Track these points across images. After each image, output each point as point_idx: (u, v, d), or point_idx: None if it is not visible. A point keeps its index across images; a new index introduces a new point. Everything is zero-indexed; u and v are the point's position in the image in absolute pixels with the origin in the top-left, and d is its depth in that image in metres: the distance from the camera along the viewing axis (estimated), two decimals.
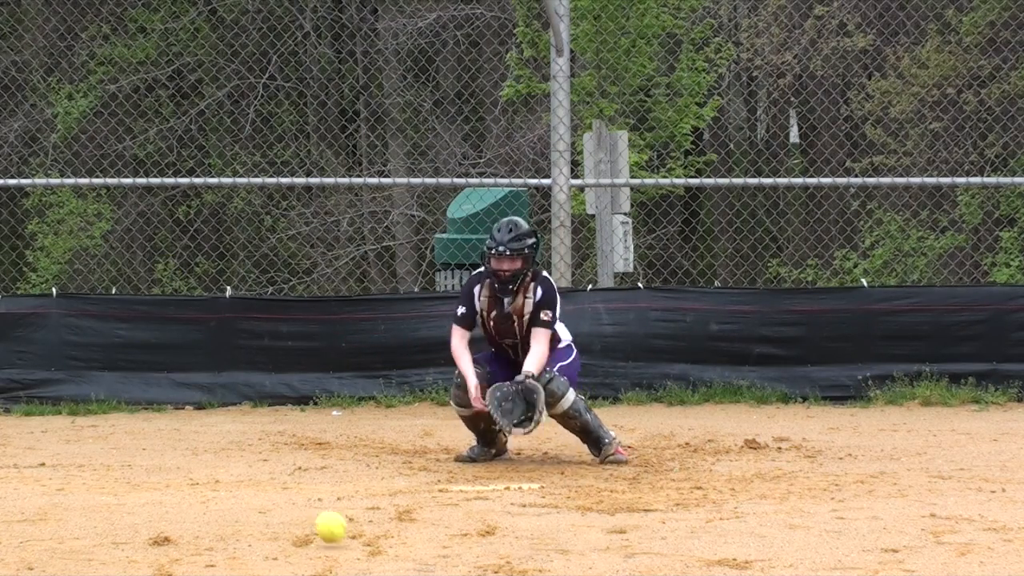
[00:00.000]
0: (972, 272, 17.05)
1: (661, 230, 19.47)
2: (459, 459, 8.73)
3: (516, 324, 8.53)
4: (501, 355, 8.70)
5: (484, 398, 8.32)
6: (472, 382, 8.41)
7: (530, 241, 8.48)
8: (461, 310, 8.62)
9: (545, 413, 8.33)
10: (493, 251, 8.43)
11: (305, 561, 5.67)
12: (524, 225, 8.59)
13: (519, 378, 8.30)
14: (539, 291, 8.49)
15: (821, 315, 12.29)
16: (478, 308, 8.57)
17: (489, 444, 8.74)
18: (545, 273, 8.68)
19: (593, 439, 8.58)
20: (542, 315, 8.46)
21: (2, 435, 10.42)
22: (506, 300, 8.49)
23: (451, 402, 8.77)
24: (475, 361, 8.58)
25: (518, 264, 8.42)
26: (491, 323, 8.55)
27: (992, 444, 9.46)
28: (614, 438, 8.62)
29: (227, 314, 12.36)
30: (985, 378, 12.03)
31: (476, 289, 8.61)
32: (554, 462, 8.67)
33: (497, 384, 8.35)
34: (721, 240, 20.58)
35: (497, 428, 8.42)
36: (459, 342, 8.60)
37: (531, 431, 8.32)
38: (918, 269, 17.63)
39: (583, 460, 8.69)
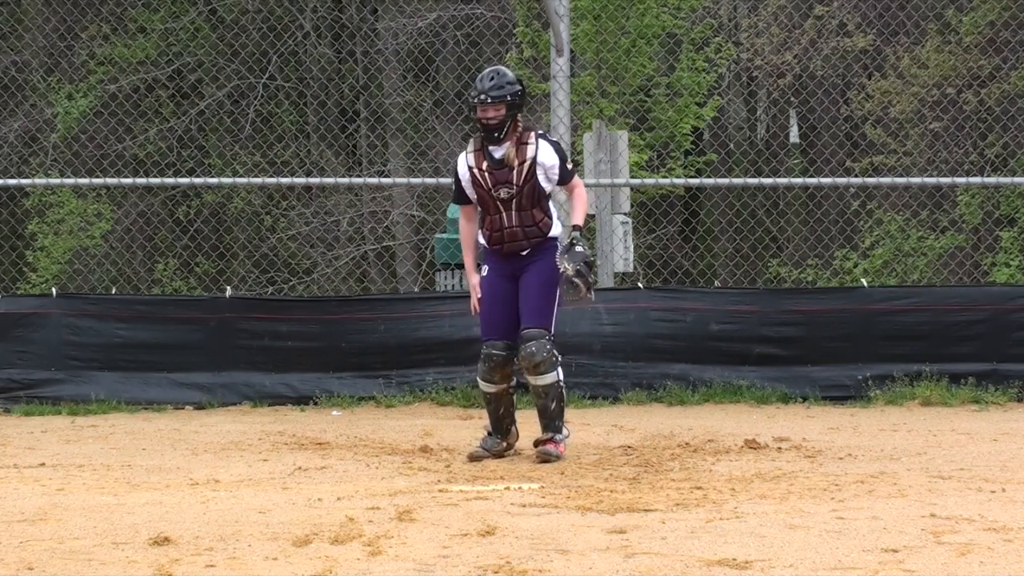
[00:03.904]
0: (972, 272, 17.05)
1: (661, 230, 19.47)
2: (473, 457, 8.68)
3: (514, 172, 8.44)
4: (495, 247, 8.59)
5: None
6: (473, 280, 8.64)
7: (514, 88, 8.46)
8: (454, 186, 8.71)
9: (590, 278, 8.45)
10: (476, 99, 8.43)
11: (305, 561, 5.67)
12: (508, 73, 8.57)
13: (564, 247, 8.45)
14: (543, 143, 8.52)
15: (821, 315, 12.29)
16: (466, 169, 8.54)
17: (503, 435, 8.76)
18: (541, 130, 8.70)
19: (544, 424, 8.63)
20: (568, 165, 8.59)
21: (2, 435, 10.42)
22: (494, 150, 8.46)
23: (478, 377, 8.75)
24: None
25: (502, 111, 8.41)
26: (486, 175, 8.48)
27: (992, 444, 9.46)
28: (565, 436, 8.67)
29: (227, 314, 12.37)
30: (985, 378, 12.04)
31: (463, 155, 8.61)
32: (554, 462, 8.66)
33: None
34: (721, 240, 20.58)
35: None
36: (465, 227, 8.77)
37: (583, 295, 8.45)
38: (918, 269, 17.63)
39: (583, 460, 8.69)
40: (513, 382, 8.73)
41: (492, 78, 8.47)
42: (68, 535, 6.26)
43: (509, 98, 8.42)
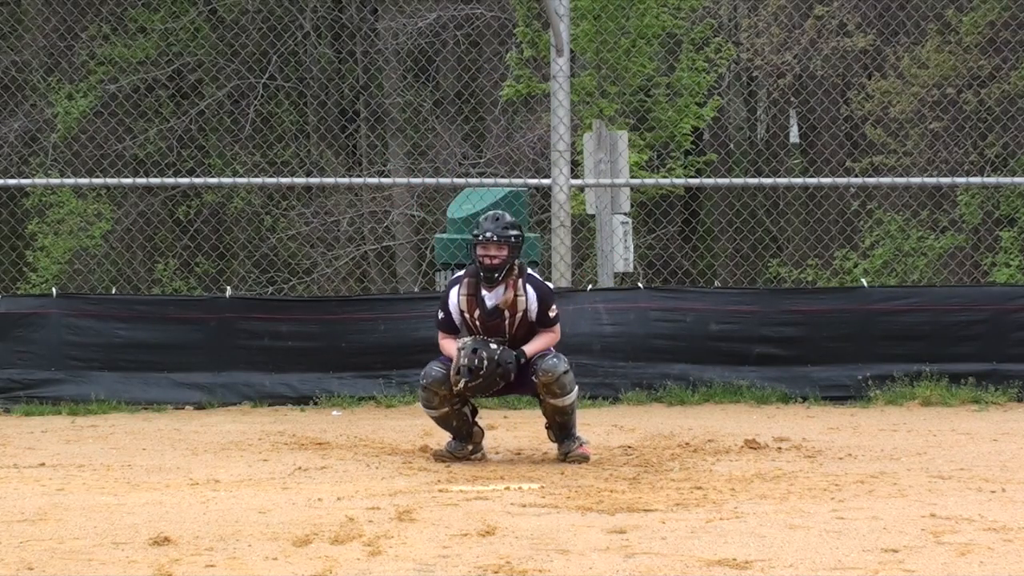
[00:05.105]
0: (972, 272, 17.05)
1: (661, 230, 19.47)
2: (438, 457, 8.76)
3: (506, 321, 8.55)
4: None
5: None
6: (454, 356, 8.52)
7: (516, 232, 8.55)
8: (440, 315, 8.75)
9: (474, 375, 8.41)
10: (480, 237, 8.51)
11: (305, 561, 5.67)
12: (510, 217, 8.69)
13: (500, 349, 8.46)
14: (530, 291, 8.55)
15: (821, 315, 12.29)
16: (457, 310, 8.62)
17: (464, 439, 8.77)
18: (530, 271, 8.75)
19: (567, 434, 8.65)
20: (550, 312, 8.59)
21: (2, 435, 10.42)
22: (487, 297, 8.53)
23: (420, 404, 8.82)
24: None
25: (504, 252, 8.48)
26: (476, 322, 8.56)
27: (992, 444, 9.46)
28: (585, 441, 8.73)
29: (227, 314, 12.36)
30: (985, 378, 12.03)
31: (454, 291, 8.66)
32: (554, 462, 8.67)
33: (476, 342, 8.46)
34: (721, 240, 20.58)
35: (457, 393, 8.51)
36: (448, 340, 8.74)
37: (458, 384, 8.43)
38: (918, 269, 17.63)
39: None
40: (456, 402, 8.64)
41: (496, 219, 8.61)
42: (68, 535, 6.26)
43: (513, 240, 8.50)
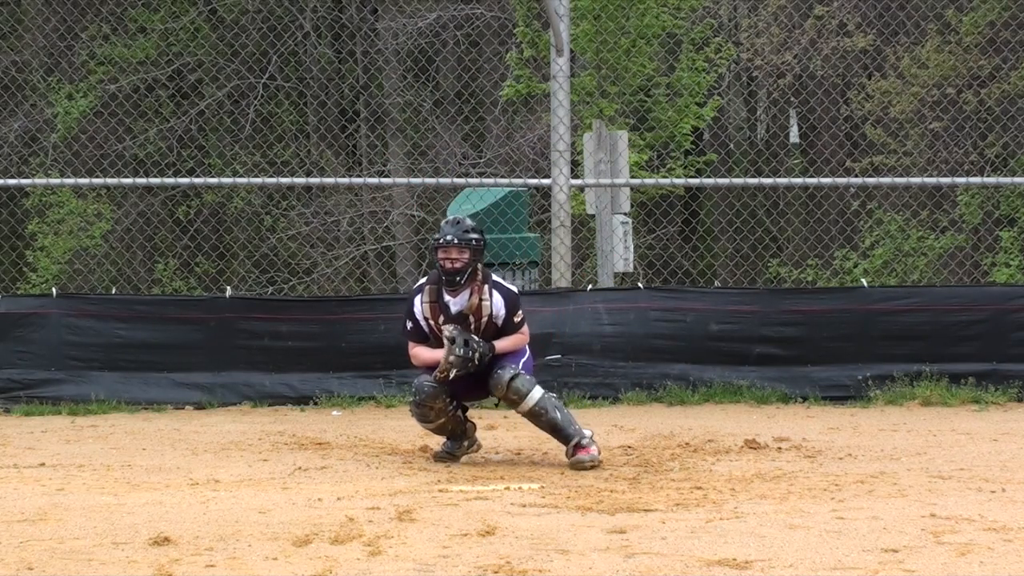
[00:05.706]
0: (972, 272, 17.05)
1: (661, 230, 19.47)
2: (437, 457, 8.80)
3: (472, 327, 8.52)
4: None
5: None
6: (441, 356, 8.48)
7: (476, 236, 8.54)
8: (409, 325, 8.70)
9: (454, 366, 8.39)
10: (440, 241, 8.50)
11: (305, 561, 5.68)
12: (470, 222, 8.69)
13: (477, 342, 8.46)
14: (496, 295, 8.54)
15: (821, 315, 12.28)
16: (422, 318, 8.62)
17: (460, 438, 8.80)
18: (496, 277, 8.73)
19: (563, 436, 8.54)
20: (515, 319, 8.58)
21: (2, 435, 10.42)
22: (451, 303, 8.52)
23: (415, 420, 8.79)
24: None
25: (466, 255, 8.47)
26: (440, 329, 8.54)
27: (992, 444, 9.46)
28: (589, 437, 8.52)
29: (227, 314, 12.36)
30: (985, 378, 12.02)
31: (417, 299, 8.65)
32: (554, 462, 8.67)
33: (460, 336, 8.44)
34: (721, 240, 20.59)
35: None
36: (420, 346, 8.71)
37: (448, 371, 8.41)
38: (918, 269, 17.63)
39: None
40: (451, 410, 8.63)
41: (457, 222, 8.62)
42: (68, 535, 6.26)
43: (474, 243, 8.49)
